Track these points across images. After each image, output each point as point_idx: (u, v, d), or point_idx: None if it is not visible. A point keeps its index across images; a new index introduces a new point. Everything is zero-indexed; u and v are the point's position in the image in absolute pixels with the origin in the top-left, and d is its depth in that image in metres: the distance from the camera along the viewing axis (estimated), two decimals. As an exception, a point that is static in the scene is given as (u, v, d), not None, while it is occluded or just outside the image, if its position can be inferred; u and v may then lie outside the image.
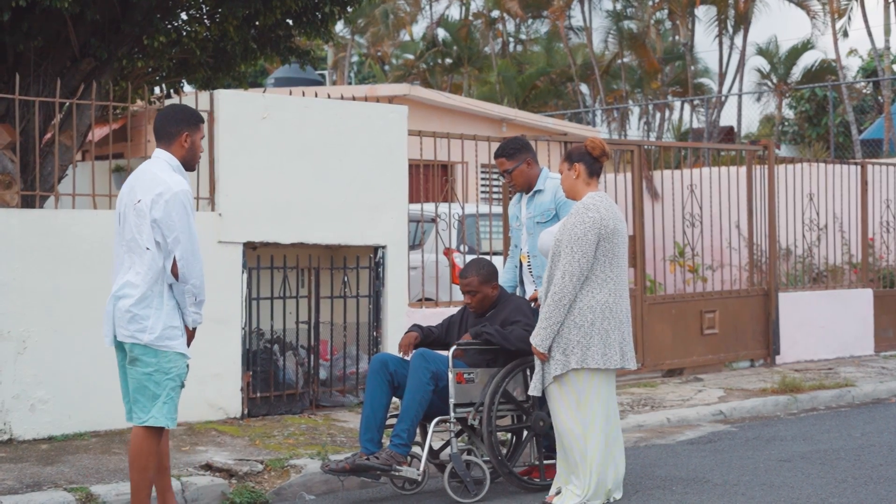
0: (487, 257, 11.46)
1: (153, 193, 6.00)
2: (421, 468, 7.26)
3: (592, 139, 7.27)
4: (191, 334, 6.23)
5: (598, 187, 7.23)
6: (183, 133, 6.21)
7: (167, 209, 5.97)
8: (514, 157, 8.04)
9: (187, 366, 6.21)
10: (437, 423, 7.38)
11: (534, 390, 7.17)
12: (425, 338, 7.87)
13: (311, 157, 9.94)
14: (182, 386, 6.22)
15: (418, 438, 7.63)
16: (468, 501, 7.27)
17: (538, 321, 7.06)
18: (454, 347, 7.41)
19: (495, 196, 17.18)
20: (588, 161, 7.19)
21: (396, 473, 7.21)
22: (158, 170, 6.14)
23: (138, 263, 6.03)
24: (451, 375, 7.33)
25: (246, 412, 9.52)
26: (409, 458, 7.44)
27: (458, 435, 7.78)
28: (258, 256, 9.75)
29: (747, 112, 37.15)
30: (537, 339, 7.02)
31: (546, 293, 7.04)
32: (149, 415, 6.04)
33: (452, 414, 7.35)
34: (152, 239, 6.00)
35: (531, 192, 8.06)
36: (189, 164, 6.29)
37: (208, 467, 7.65)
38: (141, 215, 6.02)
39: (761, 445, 9.25)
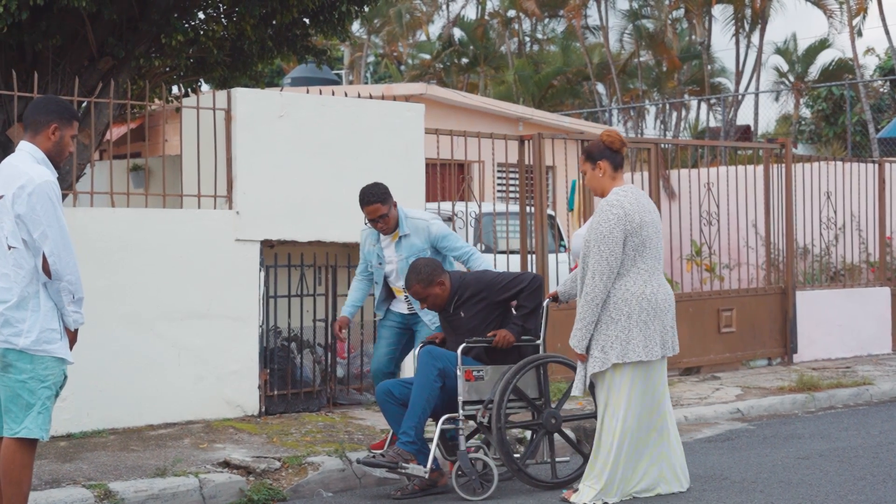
0: (495, 255, 11.47)
1: (14, 187, 5.56)
2: (428, 465, 7.23)
3: (608, 132, 7.24)
4: (73, 336, 5.79)
5: (623, 179, 7.22)
6: (52, 124, 5.74)
7: (31, 203, 5.52)
8: (387, 201, 8.14)
9: (65, 374, 5.77)
10: (445, 421, 7.38)
11: (576, 390, 7.19)
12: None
13: (327, 156, 9.96)
14: (57, 395, 5.73)
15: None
16: (475, 499, 7.26)
17: (575, 322, 7.04)
18: (462, 345, 7.40)
19: (512, 195, 17.18)
20: (610, 156, 7.18)
21: (402, 471, 7.21)
22: (20, 161, 5.69)
23: (3, 265, 5.59)
24: (459, 373, 7.33)
25: (263, 410, 9.54)
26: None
27: (474, 433, 7.80)
28: (275, 254, 9.77)
29: (764, 111, 37.16)
30: (574, 341, 7.04)
31: (580, 293, 7.06)
32: (21, 426, 5.56)
33: (461, 411, 7.35)
34: (18, 237, 5.56)
35: (398, 237, 8.22)
36: (56, 158, 5.80)
37: (226, 464, 7.67)
38: (3, 212, 5.60)
39: (779, 443, 9.23)
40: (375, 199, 8.05)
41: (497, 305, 7.61)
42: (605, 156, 7.17)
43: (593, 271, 6.93)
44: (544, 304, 7.80)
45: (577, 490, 7.13)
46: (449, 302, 7.66)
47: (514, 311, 7.65)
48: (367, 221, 8.26)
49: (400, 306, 8.34)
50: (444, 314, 7.75)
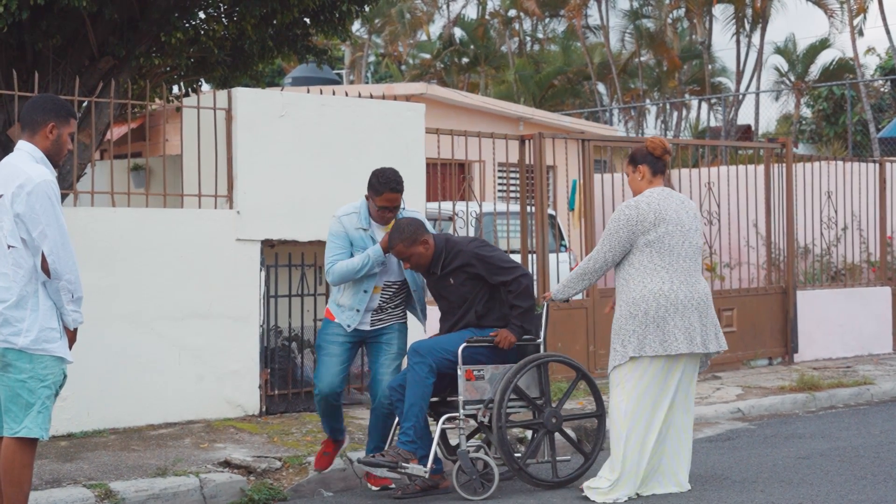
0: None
1: (13, 186, 5.54)
2: (429, 465, 7.22)
3: (652, 139, 7.57)
4: (72, 336, 5.78)
5: (662, 183, 7.49)
6: (49, 123, 5.72)
7: (30, 202, 5.51)
8: (403, 191, 7.61)
9: (65, 374, 5.75)
10: (445, 420, 7.38)
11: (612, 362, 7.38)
12: None
13: (328, 155, 9.96)
14: (57, 394, 5.71)
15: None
16: (476, 499, 7.25)
17: (566, 280, 7.58)
18: (464, 345, 7.38)
19: (512, 195, 17.18)
20: (651, 161, 7.49)
21: (403, 470, 7.20)
22: (19, 160, 5.67)
23: (2, 264, 5.58)
24: (460, 372, 7.32)
25: (264, 409, 9.54)
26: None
27: (475, 432, 7.80)
28: (276, 254, 9.77)
29: (765, 111, 37.18)
30: (554, 290, 7.63)
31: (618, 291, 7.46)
32: (21, 425, 5.55)
33: (462, 411, 7.34)
34: (17, 236, 5.55)
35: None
36: (54, 157, 5.78)
37: (227, 464, 7.67)
38: (2, 211, 5.59)
39: (780, 443, 9.23)
40: (400, 189, 7.51)
41: (485, 279, 7.54)
42: (646, 161, 7.49)
43: (591, 256, 7.46)
44: (545, 304, 7.80)
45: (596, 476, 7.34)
46: (435, 263, 7.51)
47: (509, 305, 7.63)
48: (379, 207, 7.47)
49: (365, 320, 7.57)
50: (432, 278, 7.61)
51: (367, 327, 7.58)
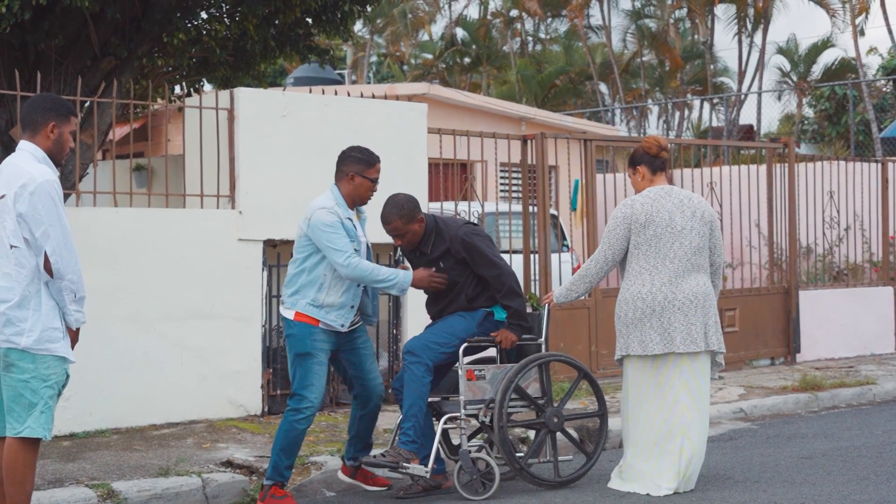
0: (507, 256, 11.49)
1: (16, 186, 5.54)
2: (430, 465, 7.21)
3: (647, 138, 7.66)
4: (74, 335, 5.76)
5: (664, 181, 7.57)
6: (49, 123, 5.70)
7: (32, 202, 5.50)
8: None
9: (67, 374, 5.73)
10: (447, 420, 7.37)
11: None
12: None
13: (330, 155, 9.86)
14: (59, 394, 5.71)
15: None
16: (477, 499, 7.25)
17: (570, 280, 7.67)
18: (465, 345, 7.37)
19: (514, 195, 17.17)
20: (648, 160, 7.57)
21: (404, 470, 7.19)
22: (21, 160, 5.66)
23: (5, 264, 5.58)
24: (461, 372, 7.32)
25: (266, 409, 9.54)
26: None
27: (476, 432, 7.79)
28: (278, 254, 9.77)
29: (767, 110, 37.13)
30: (556, 293, 7.72)
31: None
32: (24, 425, 5.54)
33: (463, 411, 7.34)
34: (19, 236, 5.54)
35: (360, 216, 7.38)
36: (56, 157, 5.75)
37: (229, 464, 7.67)
38: (5, 211, 5.59)
39: (782, 443, 9.23)
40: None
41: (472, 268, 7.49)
42: (643, 160, 7.59)
43: (592, 257, 7.58)
44: (546, 305, 7.80)
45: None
46: (424, 242, 7.43)
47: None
48: (372, 180, 7.28)
49: (348, 320, 7.18)
50: (421, 259, 7.50)
51: (345, 330, 7.15)
